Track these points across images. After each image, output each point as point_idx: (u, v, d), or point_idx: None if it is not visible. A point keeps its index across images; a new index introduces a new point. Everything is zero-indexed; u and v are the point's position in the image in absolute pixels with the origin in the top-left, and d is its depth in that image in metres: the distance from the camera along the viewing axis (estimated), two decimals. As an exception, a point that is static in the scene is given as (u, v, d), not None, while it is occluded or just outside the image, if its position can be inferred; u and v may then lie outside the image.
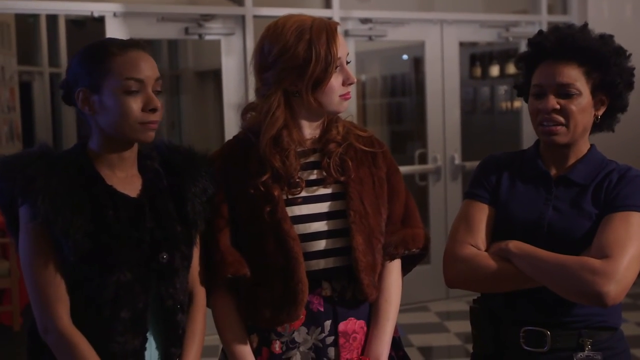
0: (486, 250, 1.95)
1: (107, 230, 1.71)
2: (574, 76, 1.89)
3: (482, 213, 1.99)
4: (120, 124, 1.73)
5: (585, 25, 1.98)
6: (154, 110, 1.73)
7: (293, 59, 1.86)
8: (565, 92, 1.90)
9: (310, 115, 1.94)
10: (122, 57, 1.72)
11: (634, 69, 1.97)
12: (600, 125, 1.99)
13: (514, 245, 1.88)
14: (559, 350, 1.90)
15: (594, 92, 1.91)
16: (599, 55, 1.89)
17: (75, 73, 1.76)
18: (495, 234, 1.98)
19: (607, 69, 1.90)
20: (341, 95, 1.91)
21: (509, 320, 1.95)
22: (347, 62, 1.93)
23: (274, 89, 1.90)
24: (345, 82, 1.91)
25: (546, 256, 1.84)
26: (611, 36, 1.96)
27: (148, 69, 1.74)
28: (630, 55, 1.96)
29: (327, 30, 1.87)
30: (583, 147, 1.97)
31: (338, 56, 1.87)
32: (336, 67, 1.88)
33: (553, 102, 1.90)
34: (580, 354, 1.88)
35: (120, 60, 1.72)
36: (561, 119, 1.90)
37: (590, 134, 2.00)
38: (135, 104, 1.72)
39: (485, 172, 2.04)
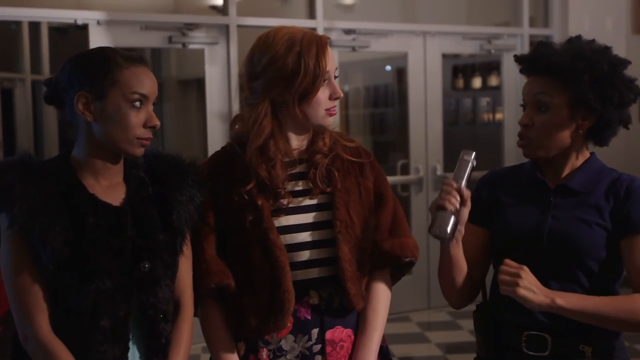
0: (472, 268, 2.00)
1: (86, 238, 1.71)
2: (547, 92, 1.92)
3: (466, 234, 2.01)
4: (116, 135, 1.74)
5: (569, 40, 1.99)
6: (153, 127, 1.76)
7: (282, 70, 1.87)
8: (539, 106, 1.93)
9: (296, 126, 1.95)
10: (130, 70, 1.74)
11: (629, 81, 1.94)
12: (592, 138, 1.99)
13: (564, 300, 1.84)
14: (560, 356, 1.92)
15: (570, 106, 1.92)
16: (569, 72, 1.90)
17: (72, 77, 1.75)
18: (495, 246, 2.02)
19: (578, 85, 1.89)
20: (327, 110, 1.92)
21: (512, 325, 1.97)
22: (335, 77, 1.94)
23: (261, 98, 1.91)
24: (332, 96, 1.92)
25: (599, 305, 1.84)
26: (599, 50, 1.93)
27: (152, 85, 1.77)
28: (619, 68, 1.93)
29: (317, 43, 1.89)
30: (577, 158, 1.99)
31: (326, 70, 1.89)
32: (324, 81, 1.89)
33: (525, 118, 1.95)
34: None
35: (127, 73, 1.73)
36: (530, 134, 1.94)
37: (594, 144, 2.01)
38: (136, 119, 1.74)
39: (478, 189, 2.08)
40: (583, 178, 1.96)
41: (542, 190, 1.98)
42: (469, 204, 1.88)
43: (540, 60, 1.94)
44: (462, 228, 1.90)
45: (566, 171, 1.99)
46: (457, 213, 1.86)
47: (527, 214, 1.97)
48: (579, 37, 1.99)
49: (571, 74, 1.89)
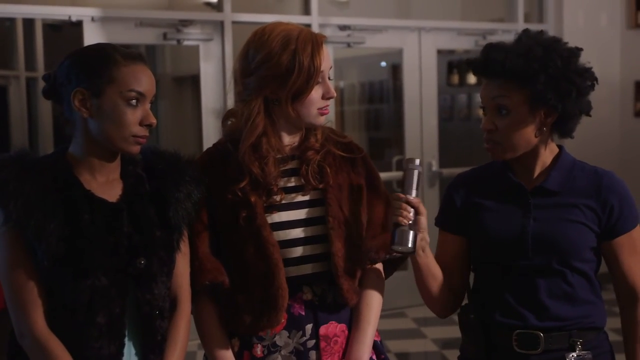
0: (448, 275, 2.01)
1: (81, 234, 1.71)
2: (505, 94, 1.90)
3: (443, 243, 2.03)
4: (112, 132, 1.74)
5: (518, 38, 1.95)
6: (149, 126, 1.76)
7: (276, 67, 1.86)
8: (499, 110, 1.92)
9: (288, 125, 1.94)
10: (128, 68, 1.73)
11: (584, 71, 1.92)
12: (557, 130, 1.97)
13: None
14: (552, 351, 1.93)
15: (530, 105, 1.90)
16: (523, 75, 1.87)
17: (70, 72, 1.75)
18: (475, 252, 2.02)
19: (534, 85, 1.87)
20: (319, 109, 1.92)
21: (500, 325, 1.97)
22: (330, 79, 1.93)
23: (254, 95, 1.90)
24: (325, 96, 1.92)
25: None
26: (549, 46, 1.90)
27: (149, 84, 1.76)
28: (572, 60, 1.90)
29: (313, 42, 1.88)
30: (547, 156, 1.98)
31: (321, 69, 1.88)
32: (318, 80, 1.89)
33: (487, 123, 1.94)
34: (572, 354, 1.92)
35: (125, 71, 1.73)
36: (496, 138, 1.93)
37: (560, 137, 2.00)
38: (132, 116, 1.74)
39: (450, 196, 2.07)
40: (558, 177, 1.95)
41: (519, 192, 1.97)
42: (423, 210, 1.87)
43: (493, 66, 1.91)
44: (425, 235, 1.90)
45: (538, 169, 1.98)
46: (414, 225, 1.85)
47: (507, 218, 1.96)
48: (527, 33, 1.96)
49: (526, 75, 1.87)
